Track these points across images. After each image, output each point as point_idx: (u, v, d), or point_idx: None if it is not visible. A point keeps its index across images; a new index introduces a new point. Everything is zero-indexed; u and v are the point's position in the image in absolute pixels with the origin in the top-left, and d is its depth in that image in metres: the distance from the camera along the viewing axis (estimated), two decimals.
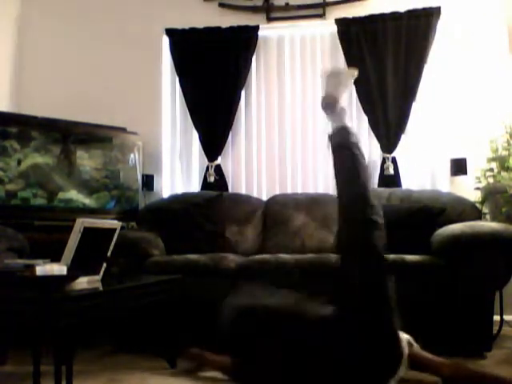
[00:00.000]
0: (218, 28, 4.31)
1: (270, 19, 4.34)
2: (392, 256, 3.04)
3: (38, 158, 3.78)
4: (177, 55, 4.40)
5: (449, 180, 4.07)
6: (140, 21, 4.47)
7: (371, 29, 4.10)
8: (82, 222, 2.32)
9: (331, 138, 2.05)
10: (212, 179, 4.24)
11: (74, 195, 3.90)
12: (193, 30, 4.36)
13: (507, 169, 3.56)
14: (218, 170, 4.28)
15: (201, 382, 2.56)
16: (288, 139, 4.30)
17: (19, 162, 3.69)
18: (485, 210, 3.64)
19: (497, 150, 3.69)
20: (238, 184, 4.32)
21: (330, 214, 3.67)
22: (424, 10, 4.04)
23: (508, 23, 4.00)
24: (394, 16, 4.08)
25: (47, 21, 4.59)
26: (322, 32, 4.31)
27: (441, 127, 4.09)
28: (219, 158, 4.30)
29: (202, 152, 4.32)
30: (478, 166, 3.80)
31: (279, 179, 4.29)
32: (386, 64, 4.05)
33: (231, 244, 3.70)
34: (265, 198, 4.16)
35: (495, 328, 3.06)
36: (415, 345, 1.86)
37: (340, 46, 4.16)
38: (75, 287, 2.19)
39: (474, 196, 3.71)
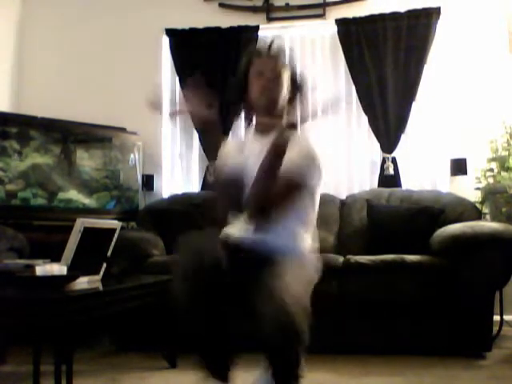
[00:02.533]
0: (218, 28, 4.31)
1: (270, 19, 4.34)
2: (392, 256, 3.05)
3: (38, 158, 3.78)
4: (177, 55, 4.40)
5: (449, 180, 4.06)
6: (140, 21, 4.47)
7: (371, 29, 4.09)
8: (82, 222, 2.32)
9: None
10: (212, 179, 4.24)
11: (74, 195, 3.90)
12: (193, 30, 4.36)
13: (507, 169, 3.56)
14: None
15: (201, 382, 2.56)
16: None
17: (20, 154, 3.69)
18: (485, 210, 3.64)
19: (497, 150, 3.69)
20: None
21: (329, 213, 3.67)
22: (424, 9, 4.04)
23: (508, 23, 4.01)
24: (394, 16, 4.07)
25: (47, 21, 4.59)
26: (322, 32, 4.30)
27: (441, 127, 4.09)
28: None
29: (202, 152, 4.32)
30: (478, 166, 3.80)
31: None
32: (386, 64, 4.04)
33: None
34: None
35: (495, 328, 3.06)
36: None
37: (340, 46, 4.16)
38: (75, 287, 2.19)
39: (474, 196, 3.71)
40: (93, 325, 2.68)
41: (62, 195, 3.85)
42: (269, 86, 1.79)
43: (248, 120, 1.94)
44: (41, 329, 2.04)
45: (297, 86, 1.88)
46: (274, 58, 1.86)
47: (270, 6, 4.33)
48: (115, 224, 2.64)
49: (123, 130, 4.20)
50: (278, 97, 1.80)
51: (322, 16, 4.27)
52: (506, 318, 3.27)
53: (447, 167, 4.05)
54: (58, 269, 2.19)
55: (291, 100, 1.86)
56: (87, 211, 3.89)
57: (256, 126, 1.91)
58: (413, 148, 4.12)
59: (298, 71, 1.91)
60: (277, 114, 1.82)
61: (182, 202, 3.90)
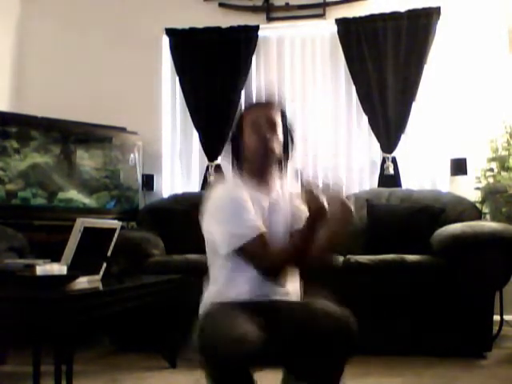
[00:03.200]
0: (218, 28, 4.31)
1: (270, 19, 4.34)
2: (392, 256, 3.05)
3: (38, 158, 3.78)
4: (177, 55, 4.40)
5: (449, 180, 4.07)
6: (140, 21, 4.47)
7: (371, 29, 4.10)
8: (82, 222, 2.32)
9: None
10: (212, 179, 4.24)
11: (74, 195, 3.90)
12: (193, 30, 4.36)
13: (507, 169, 3.56)
14: (218, 169, 4.28)
15: (201, 382, 2.56)
16: None
17: (19, 153, 3.69)
18: (485, 209, 3.65)
19: (497, 149, 3.69)
20: None
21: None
22: (424, 9, 4.04)
23: (508, 23, 4.00)
24: (394, 16, 4.07)
25: (47, 21, 4.58)
26: (322, 32, 4.30)
27: (441, 127, 4.09)
28: (219, 158, 4.30)
29: (202, 152, 4.32)
30: (478, 165, 3.80)
31: None
32: (386, 64, 4.05)
33: None
34: None
35: (495, 328, 3.06)
36: None
37: (340, 45, 4.16)
38: (75, 287, 2.19)
39: (474, 196, 3.71)
40: (93, 325, 2.68)
41: (61, 195, 3.85)
42: (266, 135, 1.71)
43: (237, 168, 1.82)
44: (41, 329, 2.04)
45: (289, 132, 1.82)
46: (268, 105, 1.79)
47: (270, 5, 4.32)
48: (115, 224, 2.64)
49: (123, 129, 4.20)
50: (275, 145, 1.73)
51: (322, 16, 4.27)
52: (506, 317, 3.27)
53: (447, 167, 4.05)
54: (58, 269, 2.19)
55: (285, 147, 1.80)
56: (87, 211, 3.89)
57: (250, 173, 1.78)
58: (413, 148, 4.12)
59: (288, 116, 1.83)
60: (272, 162, 1.77)
61: (182, 202, 3.90)
